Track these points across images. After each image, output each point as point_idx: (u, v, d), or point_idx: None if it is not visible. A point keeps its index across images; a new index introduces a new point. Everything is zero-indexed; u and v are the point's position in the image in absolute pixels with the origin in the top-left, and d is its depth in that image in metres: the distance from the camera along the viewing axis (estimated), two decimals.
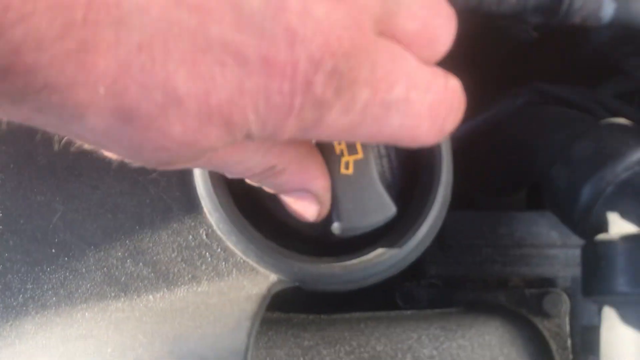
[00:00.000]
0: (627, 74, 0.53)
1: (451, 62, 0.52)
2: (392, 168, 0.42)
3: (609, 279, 0.42)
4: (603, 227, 0.45)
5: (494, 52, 0.54)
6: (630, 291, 0.41)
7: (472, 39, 0.53)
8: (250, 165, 0.31)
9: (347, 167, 0.39)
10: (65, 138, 0.29)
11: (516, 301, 0.52)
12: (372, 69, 0.26)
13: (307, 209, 0.36)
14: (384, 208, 0.40)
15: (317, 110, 0.25)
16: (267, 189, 0.36)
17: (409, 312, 0.44)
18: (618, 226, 0.44)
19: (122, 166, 0.37)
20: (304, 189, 0.35)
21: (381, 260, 0.40)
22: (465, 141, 0.55)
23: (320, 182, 0.36)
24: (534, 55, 0.58)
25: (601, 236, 0.44)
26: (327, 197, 0.37)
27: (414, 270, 0.56)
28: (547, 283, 0.53)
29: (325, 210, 0.38)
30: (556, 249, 0.52)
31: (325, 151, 0.38)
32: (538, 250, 0.53)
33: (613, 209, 0.44)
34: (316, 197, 0.36)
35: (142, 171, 0.38)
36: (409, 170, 0.43)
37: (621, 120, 0.47)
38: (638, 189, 0.44)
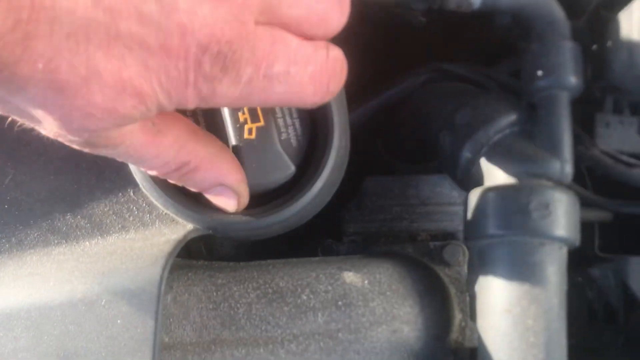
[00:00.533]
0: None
1: (360, 46, 0.60)
2: (297, 135, 0.50)
3: (481, 224, 0.50)
4: (480, 182, 0.52)
5: (397, 36, 0.62)
6: (497, 233, 0.49)
7: (373, 25, 0.61)
8: (166, 160, 0.39)
9: (250, 133, 0.47)
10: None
11: (422, 253, 0.60)
12: (252, 52, 0.34)
13: (226, 203, 0.44)
14: (283, 168, 0.48)
15: (209, 84, 0.33)
16: (190, 188, 0.43)
17: (310, 257, 0.52)
18: (490, 180, 0.52)
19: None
20: (220, 183, 0.42)
21: (280, 211, 0.47)
22: (378, 115, 0.63)
23: (234, 176, 0.43)
24: (443, 38, 0.65)
25: (476, 189, 0.51)
26: (243, 189, 0.44)
27: (335, 229, 0.64)
28: (449, 236, 0.60)
29: (245, 201, 0.45)
30: (456, 207, 0.60)
31: (232, 119, 0.46)
32: (441, 207, 0.61)
33: (487, 166, 0.52)
34: (233, 191, 0.43)
35: None
36: (312, 137, 0.51)
37: (499, 94, 0.54)
38: (507, 148, 0.52)
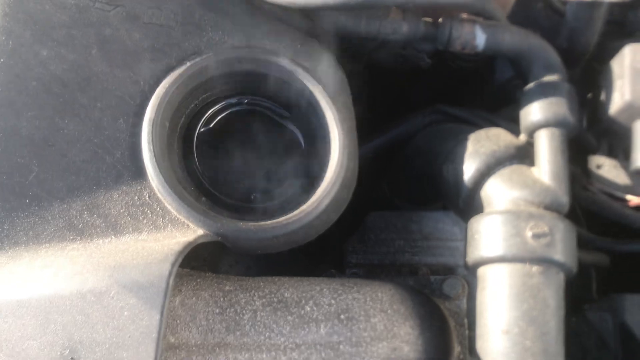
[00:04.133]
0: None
1: (371, 89, 0.64)
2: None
3: (481, 247, 0.52)
4: (481, 211, 0.55)
5: (405, 81, 0.66)
6: (496, 256, 0.50)
7: (383, 70, 0.65)
8: None
9: None
10: None
11: (422, 286, 0.61)
12: None
13: None
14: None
15: None
16: None
17: (313, 277, 0.53)
18: (491, 208, 0.54)
19: (87, 140, 0.49)
20: None
21: (287, 223, 0.49)
22: (384, 155, 0.66)
23: None
24: (448, 88, 0.69)
25: (477, 216, 0.53)
26: None
27: (338, 260, 0.65)
28: (449, 271, 0.62)
29: None
30: (457, 242, 0.62)
31: None
32: (442, 242, 0.62)
33: (488, 195, 0.54)
34: None
35: (101, 145, 0.49)
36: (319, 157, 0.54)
37: (496, 130, 0.58)
38: (507, 178, 0.54)
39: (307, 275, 0.62)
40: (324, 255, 0.64)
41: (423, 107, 0.66)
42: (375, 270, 0.63)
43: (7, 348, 0.43)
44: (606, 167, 0.60)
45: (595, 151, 0.61)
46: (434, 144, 0.61)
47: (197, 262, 0.57)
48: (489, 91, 0.69)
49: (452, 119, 0.64)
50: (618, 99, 0.54)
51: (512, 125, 0.63)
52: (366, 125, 0.63)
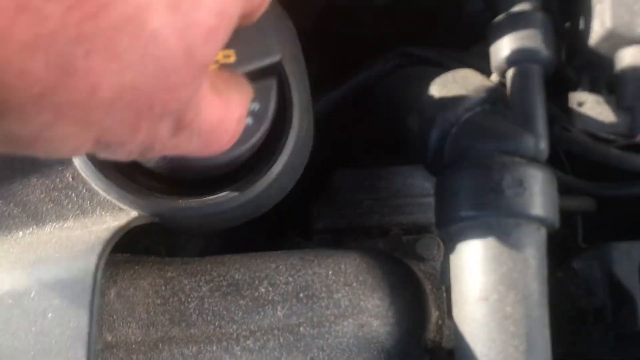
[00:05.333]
0: None
1: (325, 33, 0.57)
2: (254, 113, 0.46)
3: (453, 206, 0.46)
4: (451, 164, 0.49)
5: (363, 21, 0.59)
6: (470, 214, 0.45)
7: (338, 10, 0.58)
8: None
9: None
10: None
11: (394, 247, 0.56)
12: None
13: None
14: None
15: None
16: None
17: (276, 251, 0.47)
18: (461, 161, 0.48)
19: None
20: None
21: (235, 196, 0.44)
22: (346, 105, 0.60)
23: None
24: (413, 24, 0.63)
25: (446, 171, 0.48)
26: None
27: (304, 226, 0.60)
28: (422, 230, 0.57)
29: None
30: (429, 198, 0.57)
31: None
32: (413, 199, 0.57)
33: (457, 146, 0.49)
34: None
35: None
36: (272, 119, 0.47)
37: (465, 71, 0.52)
38: (477, 127, 0.48)
39: (273, 244, 0.57)
40: (288, 221, 0.59)
41: (386, 50, 0.59)
42: (343, 234, 0.57)
43: None
44: (589, 104, 0.54)
45: (576, 87, 0.55)
46: (397, 92, 0.55)
47: (148, 241, 0.52)
48: (460, 27, 0.62)
49: (418, 61, 0.58)
50: (598, 27, 0.48)
51: (485, 63, 0.57)
52: (321, 73, 0.56)
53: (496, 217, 0.44)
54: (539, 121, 0.47)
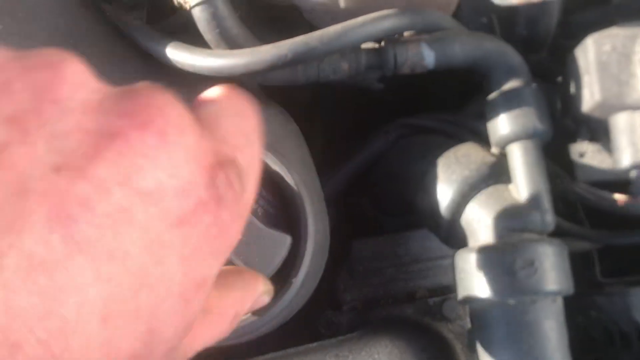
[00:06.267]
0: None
1: (326, 115, 0.59)
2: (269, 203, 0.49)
3: (472, 288, 0.49)
4: (464, 240, 0.52)
5: (357, 102, 0.61)
6: (487, 297, 0.48)
7: (335, 95, 0.61)
8: None
9: None
10: None
11: (422, 311, 0.59)
12: None
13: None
14: (279, 241, 0.47)
15: None
16: None
17: (308, 345, 0.51)
18: (474, 239, 0.51)
19: None
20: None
21: (249, 323, 0.47)
22: (356, 176, 0.63)
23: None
24: (408, 95, 0.65)
25: (461, 251, 0.50)
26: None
27: (333, 300, 0.63)
28: (446, 289, 0.60)
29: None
30: (449, 259, 0.59)
31: None
32: (432, 262, 0.60)
33: (468, 225, 0.51)
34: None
35: None
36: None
37: (466, 147, 0.53)
38: (485, 205, 0.51)
39: (301, 323, 0.60)
40: (316, 295, 0.62)
41: (385, 121, 0.62)
42: (371, 302, 0.61)
43: None
44: (589, 154, 0.56)
45: (575, 136, 0.56)
46: (403, 168, 0.58)
47: None
48: (453, 85, 0.64)
49: (419, 130, 0.60)
50: (588, 97, 0.49)
51: (483, 126, 0.58)
52: (327, 154, 0.59)
53: (512, 298, 0.47)
54: (543, 196, 0.49)
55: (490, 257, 0.48)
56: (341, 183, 0.61)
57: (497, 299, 0.47)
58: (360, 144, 0.61)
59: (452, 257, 0.59)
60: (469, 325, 0.58)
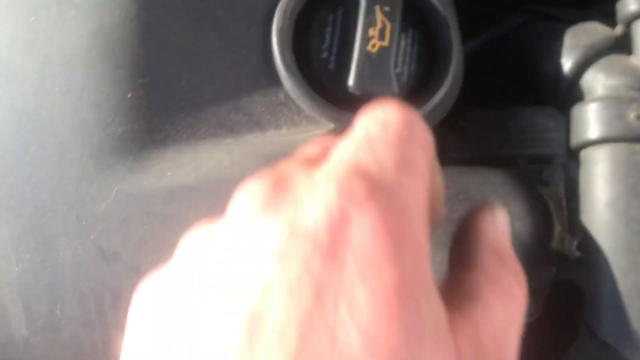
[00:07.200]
0: None
1: None
2: (409, 76, 0.57)
3: (584, 131, 0.56)
4: (581, 98, 0.59)
5: None
6: (599, 138, 0.55)
7: None
8: None
9: (373, 47, 0.55)
10: None
11: (522, 174, 0.66)
12: None
13: None
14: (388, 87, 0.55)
15: None
16: None
17: None
18: (590, 96, 0.58)
19: (226, 48, 0.54)
20: None
21: None
22: (477, 56, 0.70)
23: None
24: None
25: (578, 104, 0.58)
26: None
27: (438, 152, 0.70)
28: (546, 160, 0.67)
29: None
30: (553, 134, 0.66)
31: (363, 30, 0.53)
32: (538, 135, 0.67)
33: (588, 85, 0.59)
34: None
35: (239, 52, 0.55)
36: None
37: (593, 24, 0.61)
38: (606, 67, 0.58)
39: None
40: None
41: (512, 8, 0.69)
42: (475, 162, 0.68)
43: (183, 228, 0.51)
44: None
45: None
46: (529, 43, 0.65)
47: None
48: None
49: (544, 18, 0.68)
50: None
51: (607, 19, 0.66)
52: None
53: (624, 139, 0.54)
54: None
55: (609, 105, 0.55)
56: (469, 53, 0.68)
57: (610, 140, 0.55)
58: (488, 25, 0.69)
59: (556, 132, 0.66)
60: (563, 191, 0.65)
